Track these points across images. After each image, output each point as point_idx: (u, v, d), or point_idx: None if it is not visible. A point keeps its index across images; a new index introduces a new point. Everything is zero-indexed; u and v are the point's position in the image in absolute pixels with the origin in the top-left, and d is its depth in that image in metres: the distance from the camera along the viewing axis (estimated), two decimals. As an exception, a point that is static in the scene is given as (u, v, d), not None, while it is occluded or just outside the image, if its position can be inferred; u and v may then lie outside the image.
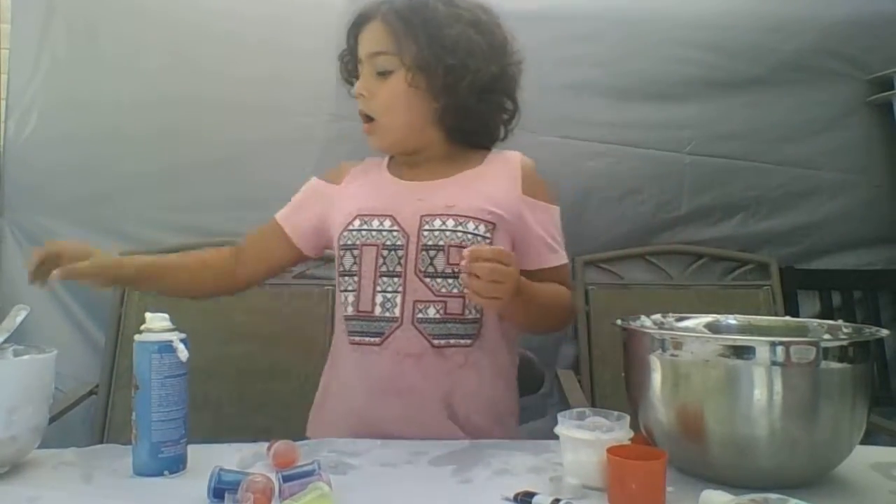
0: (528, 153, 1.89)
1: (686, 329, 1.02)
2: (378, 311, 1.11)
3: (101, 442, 1.64)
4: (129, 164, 1.85)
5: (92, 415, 1.73)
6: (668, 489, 0.77)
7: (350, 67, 1.23)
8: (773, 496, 0.71)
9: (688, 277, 1.96)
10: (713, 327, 1.03)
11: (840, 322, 0.94)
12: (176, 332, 0.90)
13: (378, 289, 1.12)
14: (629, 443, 0.82)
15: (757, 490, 0.74)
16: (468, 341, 1.10)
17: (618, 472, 0.76)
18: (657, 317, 1.02)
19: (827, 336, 0.91)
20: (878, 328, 0.86)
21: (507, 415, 1.17)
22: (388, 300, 1.11)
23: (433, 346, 1.09)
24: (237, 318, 1.77)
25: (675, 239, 1.97)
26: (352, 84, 1.21)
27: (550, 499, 0.76)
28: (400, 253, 1.10)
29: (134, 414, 0.88)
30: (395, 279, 1.11)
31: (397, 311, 1.10)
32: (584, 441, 0.82)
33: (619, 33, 1.93)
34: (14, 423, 0.85)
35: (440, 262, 1.09)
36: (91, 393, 1.73)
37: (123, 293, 1.80)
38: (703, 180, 1.95)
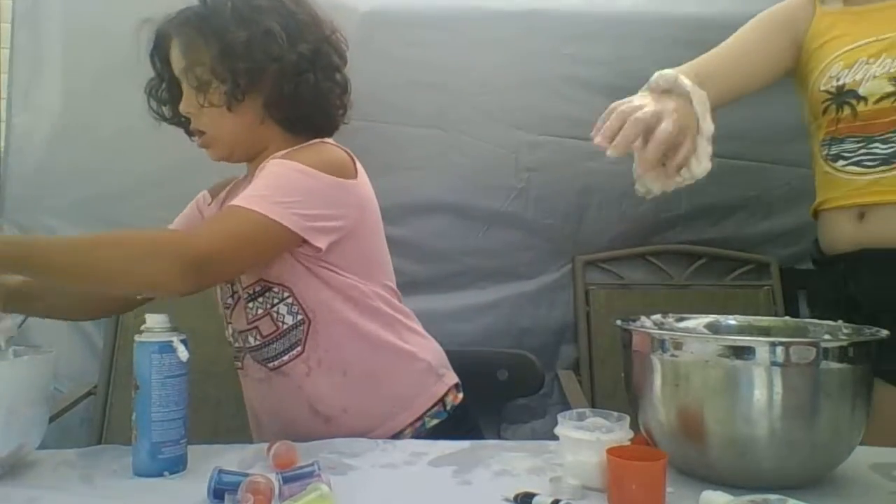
0: (528, 152, 1.92)
1: (686, 329, 1.02)
2: (231, 340, 1.15)
3: (100, 442, 1.65)
4: (132, 164, 1.84)
5: (90, 415, 1.73)
6: (668, 490, 0.77)
7: (163, 95, 1.18)
8: (772, 497, 0.71)
9: (688, 277, 1.95)
10: (713, 328, 1.03)
11: (840, 322, 0.94)
12: (176, 333, 0.90)
13: (227, 320, 1.16)
14: (629, 443, 0.82)
15: (757, 491, 0.74)
16: (299, 349, 1.06)
17: (618, 472, 0.76)
18: (657, 317, 1.02)
19: (827, 336, 0.91)
20: (877, 329, 0.85)
21: (399, 383, 1.10)
22: (232, 332, 1.14)
23: (271, 369, 1.08)
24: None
25: (676, 239, 1.97)
26: (162, 116, 1.19)
27: (550, 499, 0.76)
28: (235, 286, 1.11)
29: (134, 414, 0.88)
30: (227, 311, 1.14)
31: (237, 343, 1.13)
32: (585, 442, 0.81)
33: (620, 33, 1.93)
34: (13, 423, 0.85)
35: (238, 287, 1.10)
36: (89, 393, 1.73)
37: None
38: (703, 180, 1.94)
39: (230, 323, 1.15)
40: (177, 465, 0.88)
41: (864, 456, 0.87)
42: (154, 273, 0.90)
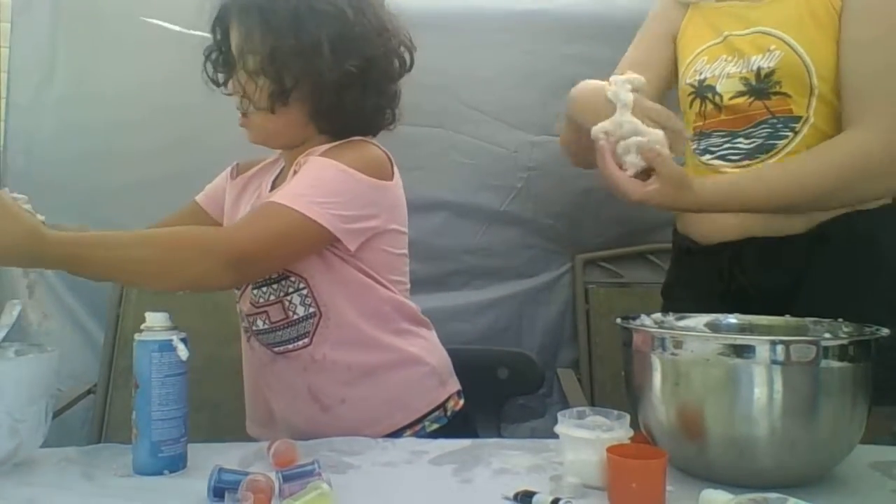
0: (528, 152, 1.92)
1: (686, 328, 1.01)
2: (240, 314, 1.16)
3: (100, 440, 1.65)
4: (132, 166, 1.84)
5: (90, 414, 1.73)
6: (669, 488, 0.77)
7: (218, 64, 1.15)
8: (772, 495, 0.71)
9: (687, 276, 1.95)
10: (713, 326, 1.02)
11: (840, 321, 0.94)
12: (176, 332, 0.90)
13: (235, 300, 1.16)
14: (629, 442, 0.82)
15: (757, 489, 0.74)
16: (305, 341, 1.06)
17: (618, 471, 0.76)
18: (657, 315, 1.02)
19: (827, 335, 0.91)
20: (878, 327, 0.85)
21: (401, 384, 1.10)
22: (239, 310, 1.15)
23: (275, 353, 1.09)
24: (237, 318, 1.77)
25: (675, 238, 1.97)
26: (216, 81, 1.15)
27: (550, 498, 0.76)
28: None
29: (134, 413, 0.88)
30: (236, 291, 1.15)
31: (244, 323, 1.13)
32: (585, 440, 0.81)
33: (621, 34, 1.93)
34: (17, 422, 0.85)
35: None
36: (89, 392, 1.73)
37: (121, 293, 1.80)
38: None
39: (237, 302, 1.16)
40: (177, 464, 0.88)
41: (864, 454, 0.87)
42: (200, 272, 0.94)
